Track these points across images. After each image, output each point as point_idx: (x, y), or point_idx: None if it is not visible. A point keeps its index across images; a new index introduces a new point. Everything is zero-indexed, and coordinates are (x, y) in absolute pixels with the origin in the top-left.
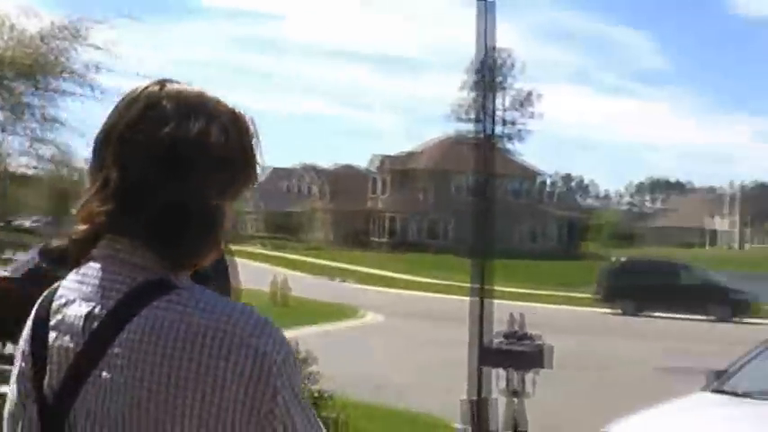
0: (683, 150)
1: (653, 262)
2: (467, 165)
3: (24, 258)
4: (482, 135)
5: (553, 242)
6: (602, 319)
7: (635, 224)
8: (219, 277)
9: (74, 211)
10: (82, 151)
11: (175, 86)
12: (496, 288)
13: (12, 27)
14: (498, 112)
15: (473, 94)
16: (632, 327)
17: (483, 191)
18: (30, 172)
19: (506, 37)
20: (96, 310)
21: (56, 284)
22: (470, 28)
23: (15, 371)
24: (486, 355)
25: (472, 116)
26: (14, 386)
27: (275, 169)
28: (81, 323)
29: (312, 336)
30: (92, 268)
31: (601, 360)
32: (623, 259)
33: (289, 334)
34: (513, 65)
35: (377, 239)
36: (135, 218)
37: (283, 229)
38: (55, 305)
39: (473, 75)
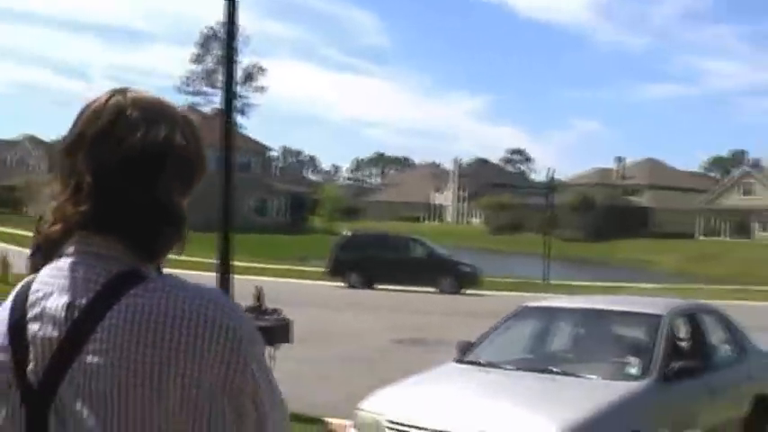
0: (406, 127)
1: (381, 236)
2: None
3: None
4: (220, 108)
5: (280, 216)
6: (334, 292)
7: (359, 198)
8: None
9: (32, 214)
10: None
11: (136, 95)
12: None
13: None
14: None
15: (204, 67)
16: (365, 299)
17: (223, 165)
18: None
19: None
20: (76, 300)
21: (28, 279)
22: (200, 1)
23: None
24: None
25: (203, 88)
26: None
27: None
28: (63, 313)
29: None
30: (66, 262)
31: (338, 333)
32: (349, 233)
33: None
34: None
35: None
36: (109, 217)
37: (4, 203)
38: (32, 298)
39: (202, 47)
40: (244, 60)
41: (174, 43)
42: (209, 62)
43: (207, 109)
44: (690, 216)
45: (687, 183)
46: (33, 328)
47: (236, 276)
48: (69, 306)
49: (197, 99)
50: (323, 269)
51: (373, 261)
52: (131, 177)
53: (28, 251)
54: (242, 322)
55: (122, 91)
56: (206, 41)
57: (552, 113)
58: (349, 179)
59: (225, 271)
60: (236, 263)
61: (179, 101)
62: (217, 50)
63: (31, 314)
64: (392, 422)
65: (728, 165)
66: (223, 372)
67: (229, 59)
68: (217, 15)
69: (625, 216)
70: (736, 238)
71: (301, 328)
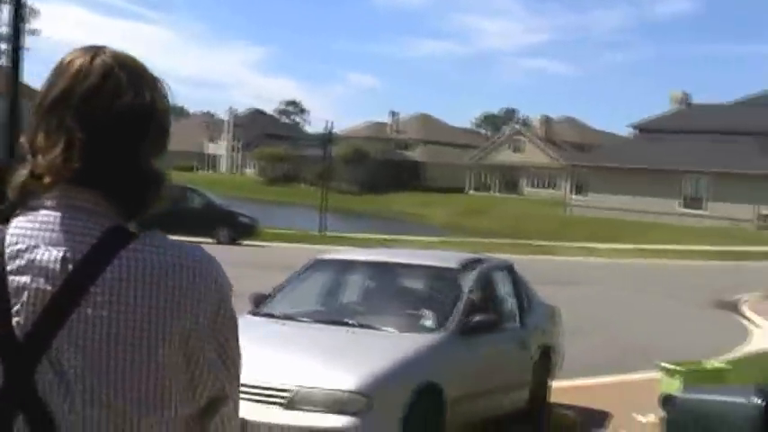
0: (185, 76)
1: None
2: None
3: None
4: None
5: None
6: None
7: None
8: None
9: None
10: None
11: (117, 55)
12: None
13: None
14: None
15: None
16: None
17: (9, 112)
18: None
19: None
20: (69, 254)
21: None
22: None
23: None
24: None
25: None
26: None
27: None
28: (57, 266)
29: None
30: (52, 216)
31: None
32: None
33: None
34: None
35: None
36: (99, 174)
37: None
38: (12, 250)
39: None
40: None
41: None
42: None
43: None
44: (461, 171)
45: (460, 139)
46: (20, 280)
47: None
48: (63, 259)
49: None
50: None
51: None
52: (121, 137)
53: None
54: (223, 275)
55: (101, 49)
56: None
57: (329, 66)
58: None
59: None
60: None
61: None
62: None
63: (12, 266)
64: None
65: (499, 122)
66: (214, 317)
67: None
68: None
69: (398, 170)
70: (506, 193)
71: None
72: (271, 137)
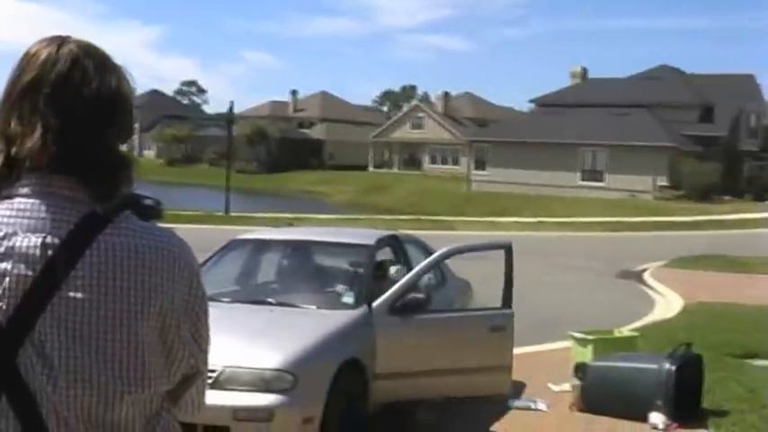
0: None
1: None
2: None
3: None
4: None
5: None
6: None
7: None
8: None
9: None
10: None
11: (81, 43)
12: None
13: None
14: None
15: None
16: None
17: None
18: None
19: None
20: (48, 239)
21: None
22: None
23: None
24: None
25: None
26: None
27: None
28: (37, 252)
29: None
30: (27, 203)
31: None
32: None
33: None
34: None
35: None
36: (73, 160)
37: None
38: None
39: None
40: None
41: None
42: None
43: None
44: (363, 149)
45: (360, 117)
46: (5, 266)
47: None
48: (43, 245)
49: None
50: None
51: None
52: (91, 123)
53: None
54: (195, 257)
55: (66, 39)
56: None
57: (224, 45)
58: None
59: None
60: None
61: None
62: None
63: None
64: None
65: (399, 99)
66: (187, 297)
67: None
68: None
69: (299, 148)
70: (408, 170)
71: None
72: (170, 118)
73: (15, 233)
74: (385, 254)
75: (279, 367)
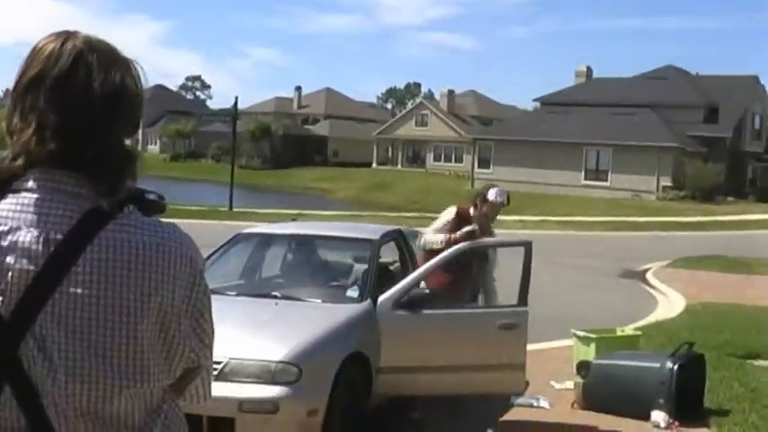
0: None
1: None
2: None
3: None
4: None
5: None
6: None
7: None
8: None
9: None
10: None
11: (88, 38)
12: None
13: None
14: None
15: None
16: None
17: None
18: None
19: None
20: (51, 234)
21: None
22: None
23: None
24: None
25: None
26: None
27: None
28: (39, 247)
29: None
30: (31, 198)
31: None
32: None
33: None
34: None
35: None
36: (76, 156)
37: None
38: None
39: None
40: None
41: None
42: None
43: None
44: (366, 146)
45: (365, 113)
46: (3, 261)
47: None
48: (45, 240)
49: None
50: None
51: None
52: (94, 119)
53: None
54: (198, 254)
55: (73, 34)
56: None
57: (230, 41)
58: None
59: None
60: None
61: None
62: None
63: None
64: None
65: (404, 97)
66: (189, 293)
67: None
68: None
69: (303, 145)
70: (411, 167)
71: None
72: (174, 113)
73: (19, 228)
74: (389, 248)
75: (284, 359)
